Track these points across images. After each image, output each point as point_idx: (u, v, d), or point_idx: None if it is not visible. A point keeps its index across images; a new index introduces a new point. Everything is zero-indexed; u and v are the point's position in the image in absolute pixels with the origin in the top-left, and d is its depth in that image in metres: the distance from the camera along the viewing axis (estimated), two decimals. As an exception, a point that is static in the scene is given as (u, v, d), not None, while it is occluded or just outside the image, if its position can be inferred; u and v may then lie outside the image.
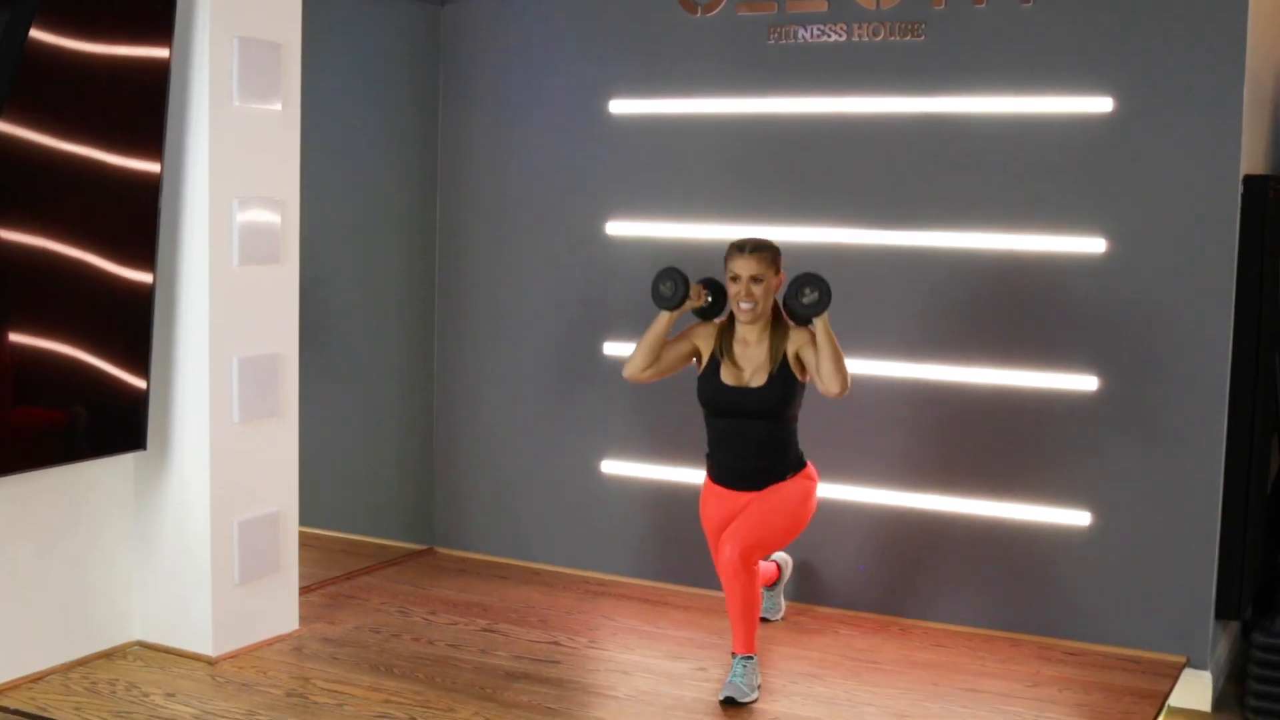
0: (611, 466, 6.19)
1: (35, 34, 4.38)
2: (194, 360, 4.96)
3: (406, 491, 6.67)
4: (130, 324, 4.81)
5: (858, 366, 5.62)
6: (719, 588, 5.32)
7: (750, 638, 4.81)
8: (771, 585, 5.51)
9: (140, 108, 4.73)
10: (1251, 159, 5.27)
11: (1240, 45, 5.01)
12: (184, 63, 4.85)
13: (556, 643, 5.34)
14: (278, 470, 5.26)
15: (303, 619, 5.44)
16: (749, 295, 4.71)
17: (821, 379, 4.64)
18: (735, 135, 5.84)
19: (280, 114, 5.12)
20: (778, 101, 5.74)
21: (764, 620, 5.21)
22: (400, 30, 6.49)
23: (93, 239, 4.68)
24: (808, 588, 5.82)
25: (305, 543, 5.64)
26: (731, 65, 5.83)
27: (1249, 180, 5.12)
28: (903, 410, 5.63)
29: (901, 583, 5.69)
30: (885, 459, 5.67)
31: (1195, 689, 5.20)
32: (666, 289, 4.83)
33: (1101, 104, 5.22)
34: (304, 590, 5.62)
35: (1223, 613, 5.26)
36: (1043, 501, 5.42)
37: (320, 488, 6.45)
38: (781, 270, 4.81)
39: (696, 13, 5.87)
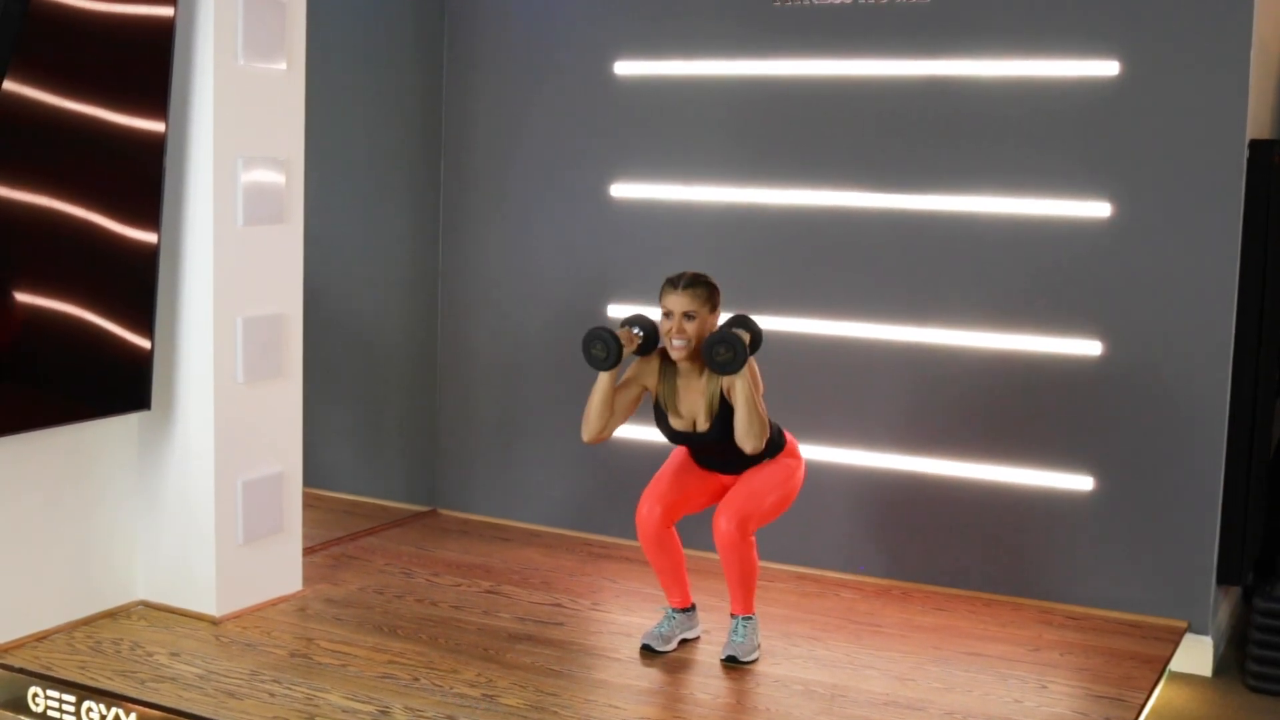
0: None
1: (39, -9, 4.37)
2: (198, 320, 4.95)
3: (409, 453, 6.68)
4: (135, 284, 4.80)
5: (860, 330, 5.64)
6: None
7: (749, 600, 4.82)
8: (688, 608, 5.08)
9: (145, 67, 4.71)
10: (1257, 123, 5.25)
11: (1248, 9, 4.99)
12: (189, 21, 4.83)
13: (559, 605, 5.36)
14: (281, 430, 5.26)
15: (306, 580, 5.45)
16: (680, 332, 4.60)
17: (737, 436, 4.57)
18: (741, 98, 5.82)
19: (285, 73, 5.10)
20: (783, 64, 5.72)
21: (652, 651, 4.90)
22: (405, -9, 6.48)
23: (97, 199, 4.67)
24: (810, 551, 5.83)
25: (309, 503, 5.64)
26: (737, 27, 5.81)
27: (1255, 145, 5.10)
28: (905, 374, 5.63)
29: (903, 546, 5.70)
30: (888, 422, 5.67)
31: (1196, 654, 5.22)
32: (599, 351, 4.62)
33: (1107, 67, 5.20)
34: (307, 551, 5.63)
35: (1224, 578, 5.27)
36: (1045, 466, 5.43)
37: (324, 448, 6.47)
38: (718, 309, 4.68)
39: (702, -26, 5.85)
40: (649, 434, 5.80)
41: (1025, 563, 5.50)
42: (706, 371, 4.66)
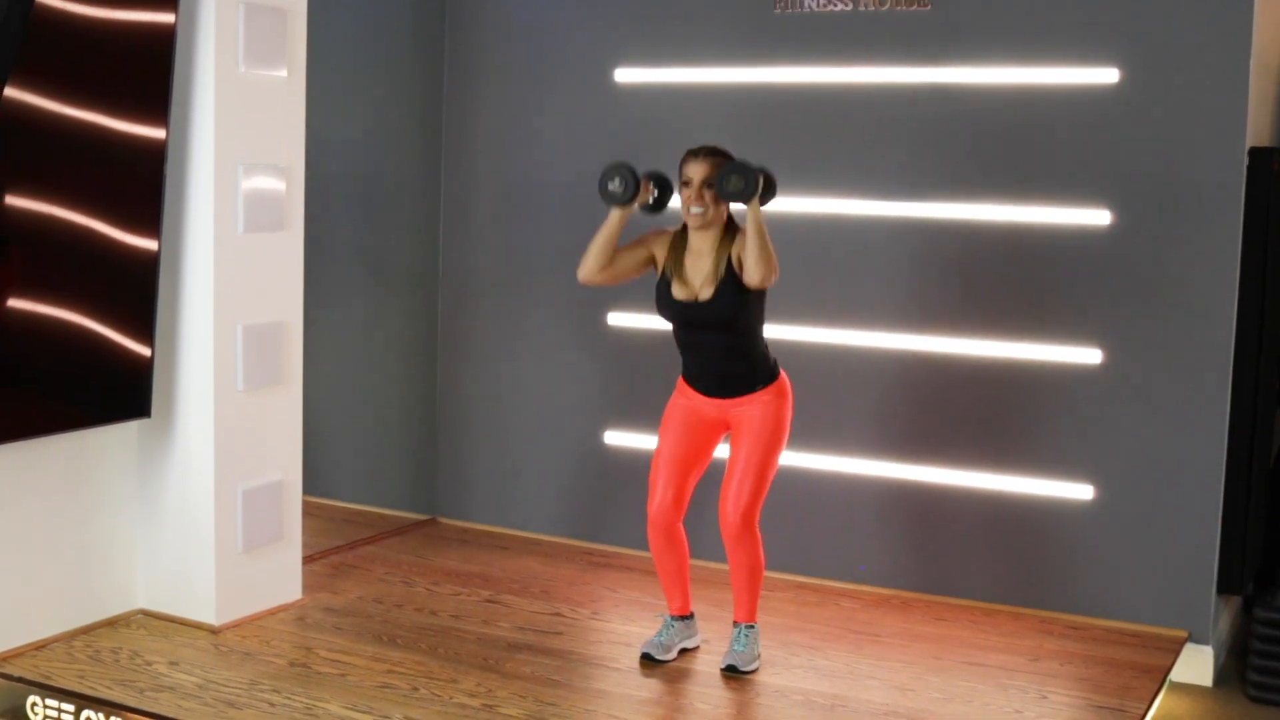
0: (614, 438, 6.18)
1: (41, -1, 4.37)
2: (198, 328, 4.95)
3: (409, 461, 6.67)
4: (135, 291, 4.79)
5: (860, 338, 5.64)
6: (721, 559, 5.32)
7: (753, 606, 4.81)
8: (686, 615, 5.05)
9: (146, 73, 4.71)
10: (1257, 131, 5.25)
11: (1247, 17, 5.00)
12: (190, 28, 4.83)
13: (559, 614, 5.35)
14: (281, 438, 5.25)
15: (306, 588, 5.44)
16: (699, 199, 4.59)
17: (745, 268, 4.51)
18: (741, 105, 5.82)
19: (285, 80, 5.10)
20: (783, 71, 5.73)
21: (652, 660, 4.88)
22: (406, -1, 6.49)
23: (98, 205, 4.66)
24: (809, 560, 5.82)
25: (308, 512, 5.63)
26: (737, 35, 5.81)
27: (1254, 152, 5.11)
28: (906, 382, 5.62)
29: (903, 556, 5.69)
30: (888, 431, 5.67)
31: (1197, 664, 5.21)
32: (615, 186, 4.63)
33: (1107, 75, 5.20)
34: (307, 560, 5.62)
35: (1225, 588, 5.26)
36: (1046, 475, 5.42)
37: (323, 457, 6.46)
38: None
39: (702, -17, 5.86)
40: (650, 443, 5.80)
41: (1025, 572, 5.49)
42: (718, 244, 4.64)
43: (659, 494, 4.78)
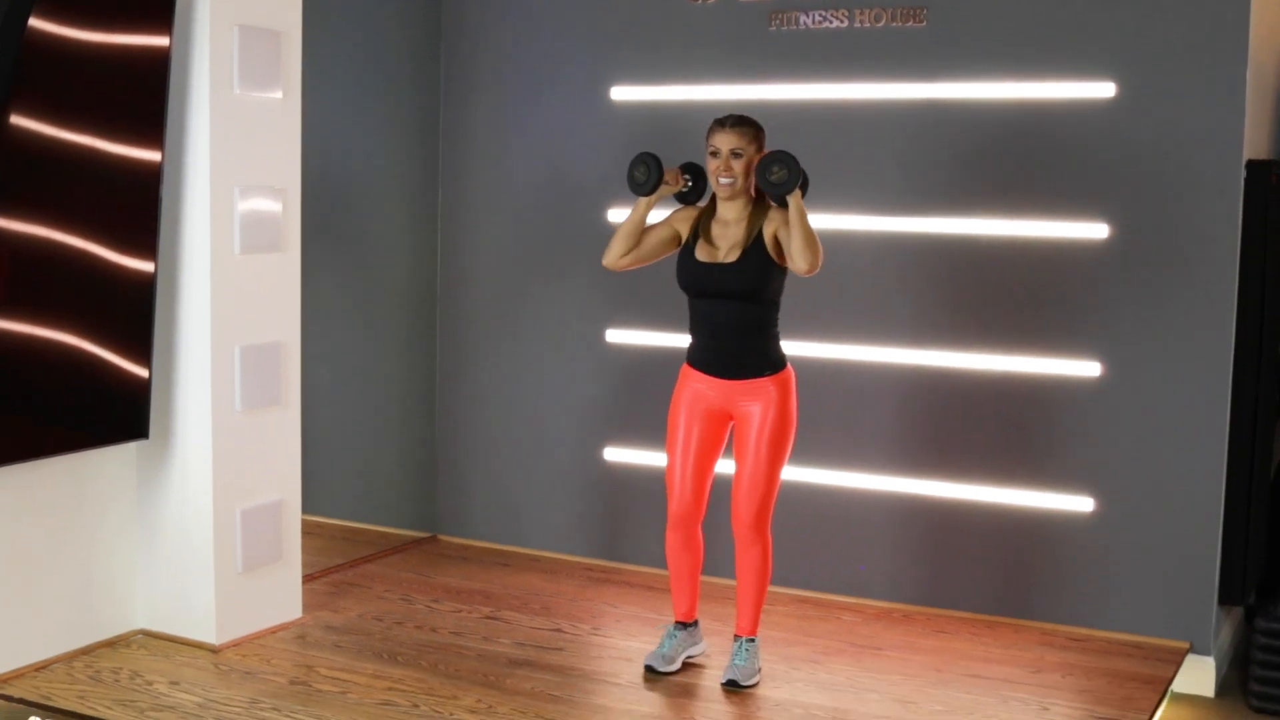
0: (614, 454, 6.18)
1: (35, 23, 4.38)
2: (196, 349, 4.96)
3: (409, 479, 6.67)
4: (132, 313, 4.80)
5: (860, 353, 5.64)
6: (721, 574, 5.33)
7: (756, 617, 4.80)
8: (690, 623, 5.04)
9: (141, 96, 4.73)
10: (1254, 144, 5.25)
11: (1243, 29, 5.00)
12: (184, 51, 4.84)
13: (559, 630, 5.35)
14: (280, 458, 5.25)
15: (306, 607, 5.44)
16: (728, 170, 4.60)
17: (791, 257, 4.50)
18: (737, 122, 5.83)
19: (281, 102, 5.11)
20: (779, 88, 5.73)
21: (655, 672, 4.90)
22: (402, 17, 6.49)
23: (94, 228, 4.67)
24: (810, 574, 5.82)
25: (308, 531, 5.63)
26: (733, 52, 5.82)
27: (1252, 165, 5.11)
28: (906, 397, 5.62)
29: (904, 569, 5.69)
30: (889, 445, 5.66)
31: (1198, 675, 5.20)
32: (640, 174, 4.69)
33: (1104, 89, 5.21)
34: (307, 578, 5.62)
35: (1226, 598, 5.26)
36: (1046, 488, 5.42)
37: (323, 475, 6.46)
38: (764, 148, 4.67)
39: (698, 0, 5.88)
40: (649, 459, 5.82)
41: (1026, 584, 5.49)
42: (751, 214, 4.65)
43: (679, 491, 4.78)
